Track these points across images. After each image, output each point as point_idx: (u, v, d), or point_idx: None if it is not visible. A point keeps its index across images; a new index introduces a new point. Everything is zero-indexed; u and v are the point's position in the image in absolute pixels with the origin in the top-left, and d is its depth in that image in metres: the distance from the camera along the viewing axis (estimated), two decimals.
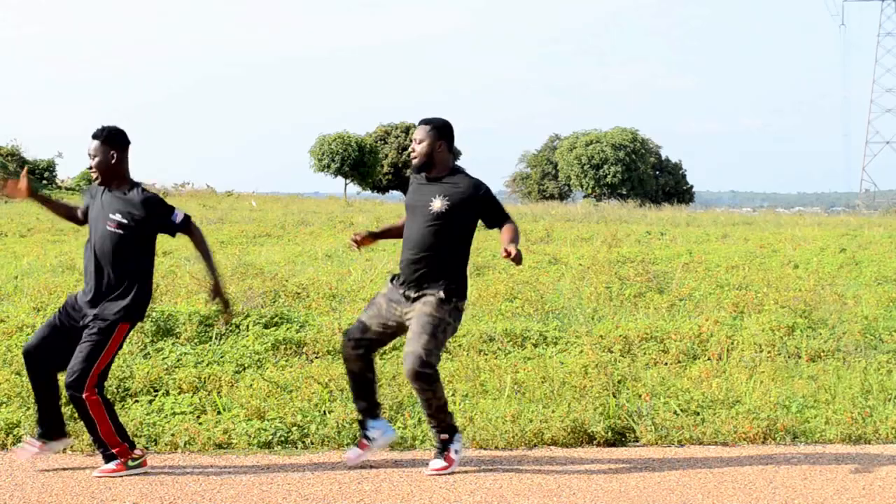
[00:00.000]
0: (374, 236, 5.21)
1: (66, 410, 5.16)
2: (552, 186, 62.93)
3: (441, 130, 4.92)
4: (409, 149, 4.91)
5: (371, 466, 4.96)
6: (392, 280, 5.04)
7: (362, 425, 5.02)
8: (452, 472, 4.81)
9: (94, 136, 4.83)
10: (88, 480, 4.68)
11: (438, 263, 4.86)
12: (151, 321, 7.20)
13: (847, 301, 9.03)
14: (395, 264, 12.00)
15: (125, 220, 4.76)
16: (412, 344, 4.72)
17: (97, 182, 4.88)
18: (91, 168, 4.86)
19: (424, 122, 4.96)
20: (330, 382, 6.10)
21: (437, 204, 4.86)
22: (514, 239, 4.82)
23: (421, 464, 5.00)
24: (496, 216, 4.96)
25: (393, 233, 5.20)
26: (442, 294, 4.81)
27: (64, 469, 4.86)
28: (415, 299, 4.87)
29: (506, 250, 4.71)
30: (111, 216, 4.77)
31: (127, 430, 5.28)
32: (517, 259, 4.70)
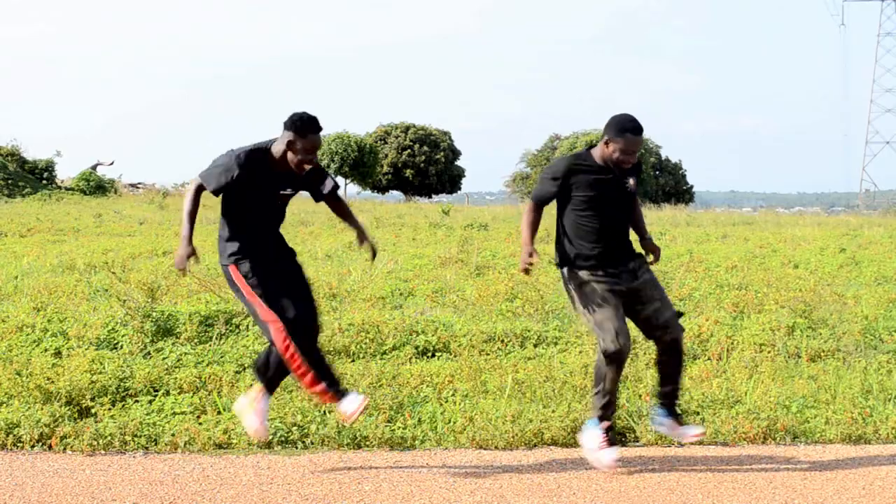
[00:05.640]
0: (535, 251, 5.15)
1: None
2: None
3: None
4: (629, 160, 4.93)
5: (371, 466, 4.96)
6: (586, 268, 5.00)
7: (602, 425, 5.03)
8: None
9: (320, 129, 4.83)
10: (88, 480, 4.68)
11: (629, 230, 5.18)
12: (151, 321, 7.20)
13: (847, 301, 9.03)
14: (395, 264, 12.02)
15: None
16: (670, 307, 5.03)
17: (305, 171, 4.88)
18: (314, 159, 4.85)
19: (641, 129, 4.95)
20: None
21: (632, 181, 5.08)
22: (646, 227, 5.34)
23: (421, 464, 5.01)
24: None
25: (536, 228, 5.16)
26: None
27: (64, 469, 4.86)
28: (633, 269, 5.02)
29: (655, 251, 5.25)
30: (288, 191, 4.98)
31: (128, 430, 5.29)
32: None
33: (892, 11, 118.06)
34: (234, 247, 4.86)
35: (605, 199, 4.99)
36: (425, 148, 56.42)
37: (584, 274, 5.00)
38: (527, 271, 5.03)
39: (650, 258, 5.17)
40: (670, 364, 5.08)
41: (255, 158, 4.80)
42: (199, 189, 4.85)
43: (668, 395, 5.12)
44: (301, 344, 4.72)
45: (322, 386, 4.75)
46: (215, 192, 4.82)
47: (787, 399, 5.93)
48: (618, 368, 4.95)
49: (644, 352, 7.09)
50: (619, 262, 5.02)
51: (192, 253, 4.77)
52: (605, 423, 4.99)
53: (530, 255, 5.02)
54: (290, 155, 4.79)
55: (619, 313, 4.94)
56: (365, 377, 6.19)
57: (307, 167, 4.82)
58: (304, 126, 4.74)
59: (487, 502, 4.43)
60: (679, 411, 5.19)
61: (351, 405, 4.75)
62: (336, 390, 4.78)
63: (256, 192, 4.83)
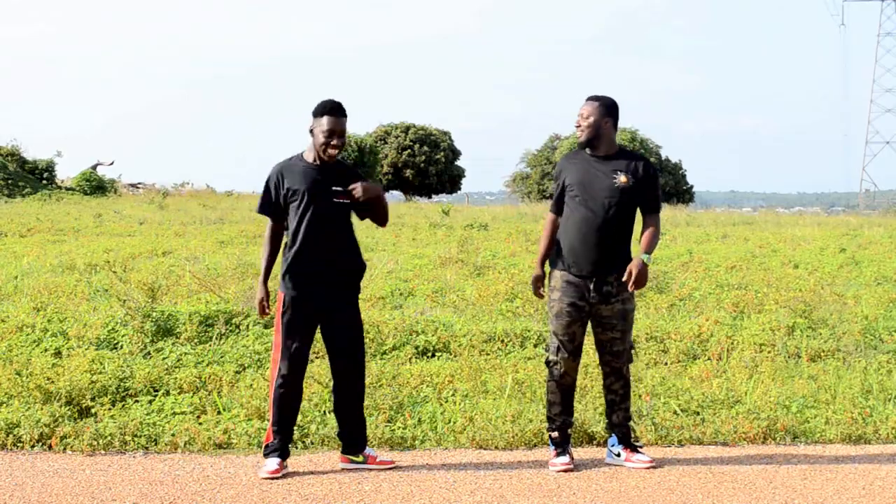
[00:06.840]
0: (542, 274, 5.09)
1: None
2: (552, 186, 63.04)
3: (608, 108, 4.92)
4: (575, 124, 4.93)
5: (371, 466, 4.96)
6: (562, 268, 4.91)
7: (563, 442, 4.99)
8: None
9: (342, 112, 4.76)
10: (88, 480, 4.68)
11: (622, 242, 4.89)
12: (151, 321, 7.20)
13: (847, 301, 9.03)
14: (395, 264, 12.01)
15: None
16: (626, 341, 4.92)
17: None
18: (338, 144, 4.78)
19: (592, 98, 4.94)
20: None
21: (623, 178, 4.86)
22: (650, 247, 4.88)
23: (421, 464, 5.00)
24: (652, 201, 4.97)
25: (550, 245, 5.04)
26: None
27: (64, 469, 4.86)
28: (608, 292, 4.85)
29: (629, 270, 4.78)
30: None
31: (128, 430, 5.28)
32: (638, 282, 4.78)
33: (892, 11, 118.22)
34: (287, 268, 4.79)
35: (588, 189, 4.87)
36: (425, 148, 56.39)
37: (556, 276, 4.94)
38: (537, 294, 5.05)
39: (626, 274, 4.79)
40: (614, 389, 5.01)
41: (289, 162, 4.83)
42: (271, 228, 4.88)
43: (619, 426, 5.05)
44: (284, 395, 4.82)
45: (270, 434, 4.85)
46: (264, 211, 4.85)
47: (787, 399, 5.93)
48: (557, 384, 4.95)
49: (644, 352, 7.10)
50: (597, 273, 4.83)
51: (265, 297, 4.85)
52: (554, 434, 5.00)
53: (537, 280, 5.04)
54: (314, 142, 4.79)
55: (570, 330, 4.89)
56: (365, 377, 6.18)
57: (332, 151, 4.76)
58: (319, 108, 4.76)
59: (487, 502, 4.43)
60: (634, 438, 5.13)
61: (268, 466, 4.78)
62: (276, 453, 4.82)
63: (305, 199, 4.74)
